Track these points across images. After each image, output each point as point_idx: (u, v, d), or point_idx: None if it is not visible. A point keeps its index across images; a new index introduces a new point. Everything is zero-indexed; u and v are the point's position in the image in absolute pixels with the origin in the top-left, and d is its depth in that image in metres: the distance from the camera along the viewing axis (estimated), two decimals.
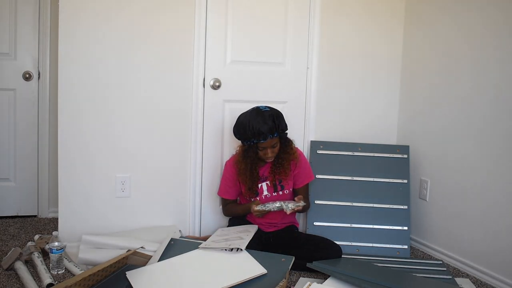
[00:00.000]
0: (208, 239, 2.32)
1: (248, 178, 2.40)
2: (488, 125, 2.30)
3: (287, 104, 2.77)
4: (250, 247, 2.16)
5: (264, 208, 2.30)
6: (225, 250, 2.15)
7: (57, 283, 2.00)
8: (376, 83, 2.92)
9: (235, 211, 2.54)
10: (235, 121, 2.43)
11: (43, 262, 2.16)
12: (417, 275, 2.22)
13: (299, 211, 2.38)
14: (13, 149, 2.98)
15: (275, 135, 2.32)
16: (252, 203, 2.36)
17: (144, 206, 2.59)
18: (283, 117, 2.40)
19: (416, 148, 2.80)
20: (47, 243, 2.34)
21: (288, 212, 2.28)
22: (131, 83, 2.50)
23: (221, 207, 2.68)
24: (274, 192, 2.47)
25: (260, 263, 2.03)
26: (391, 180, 2.70)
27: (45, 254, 2.28)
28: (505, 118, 2.20)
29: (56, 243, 2.16)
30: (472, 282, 2.25)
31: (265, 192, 2.47)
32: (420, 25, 2.79)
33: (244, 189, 2.46)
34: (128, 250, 2.20)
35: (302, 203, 2.29)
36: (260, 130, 2.28)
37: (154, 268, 2.06)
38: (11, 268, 2.15)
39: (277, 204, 2.30)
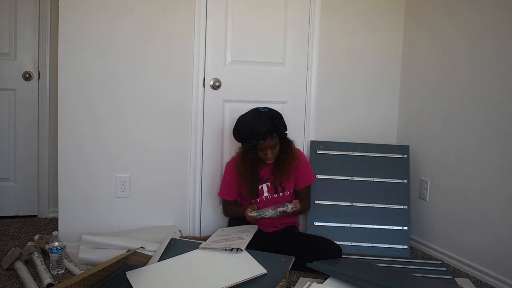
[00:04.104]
0: (208, 239, 2.32)
1: (248, 180, 2.40)
2: (488, 125, 2.30)
3: (287, 104, 2.77)
4: (250, 247, 2.16)
5: (261, 214, 2.29)
6: (225, 250, 2.15)
7: (57, 283, 2.00)
8: (376, 83, 2.92)
9: (235, 213, 2.54)
10: (235, 122, 2.43)
11: (43, 262, 2.16)
12: (417, 275, 2.22)
13: (296, 211, 2.36)
14: (13, 149, 2.98)
15: (274, 135, 2.31)
16: (248, 207, 2.36)
17: (144, 206, 2.59)
18: (282, 118, 2.39)
19: (416, 148, 2.80)
20: (47, 243, 2.34)
21: (289, 211, 2.29)
22: (131, 84, 2.50)
23: (221, 207, 2.68)
24: (275, 193, 2.47)
25: (260, 263, 2.03)
26: (391, 180, 2.70)
27: (45, 254, 2.28)
28: (506, 118, 2.20)
29: (56, 243, 2.15)
30: (472, 282, 2.25)
31: (266, 194, 2.47)
32: (420, 25, 2.79)
33: (244, 191, 2.46)
34: (128, 250, 2.20)
35: (298, 206, 2.32)
36: (259, 130, 2.28)
37: (154, 268, 2.06)
38: (11, 268, 2.15)
39: (278, 212, 2.29)
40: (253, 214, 2.30)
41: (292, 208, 2.30)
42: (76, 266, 2.16)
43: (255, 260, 2.05)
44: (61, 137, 2.44)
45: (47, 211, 3.05)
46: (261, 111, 2.35)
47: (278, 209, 2.30)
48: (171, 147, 2.61)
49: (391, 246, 2.58)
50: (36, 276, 2.08)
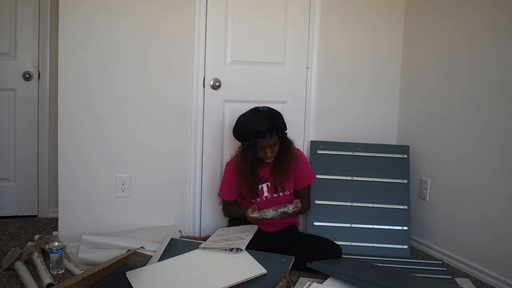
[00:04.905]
0: (208, 239, 2.32)
1: (248, 179, 2.40)
2: (488, 125, 2.30)
3: (287, 104, 2.77)
4: (250, 247, 2.16)
5: (262, 215, 2.29)
6: (225, 250, 2.15)
7: (57, 283, 2.00)
8: (376, 83, 2.92)
9: (235, 213, 2.54)
10: (235, 122, 2.43)
11: (43, 262, 2.16)
12: (417, 275, 2.22)
13: (297, 211, 2.37)
14: (13, 149, 2.98)
15: (274, 134, 2.32)
16: (249, 207, 2.36)
17: (144, 206, 2.59)
18: (282, 117, 2.40)
19: (416, 148, 2.80)
20: (47, 243, 2.34)
21: (291, 211, 2.29)
22: (131, 84, 2.50)
23: (221, 207, 2.68)
24: (275, 193, 2.47)
25: (260, 263, 2.03)
26: (391, 180, 2.70)
27: (45, 254, 2.28)
28: (505, 118, 2.20)
29: (56, 243, 2.15)
30: (472, 282, 2.25)
31: (266, 193, 2.47)
32: (420, 25, 2.79)
33: (244, 191, 2.46)
34: (128, 250, 2.20)
35: (299, 206, 2.32)
36: (258, 129, 2.28)
37: (154, 268, 2.06)
38: (11, 268, 2.15)
39: (279, 213, 2.29)
40: (254, 215, 2.30)
41: (293, 208, 2.30)
42: (76, 266, 2.16)
43: (255, 260, 2.05)
44: (61, 137, 2.44)
45: (47, 211, 3.05)
46: (261, 110, 2.36)
47: (279, 210, 2.30)
48: (171, 147, 2.61)
49: (391, 246, 2.58)
50: (36, 276, 2.08)
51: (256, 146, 2.35)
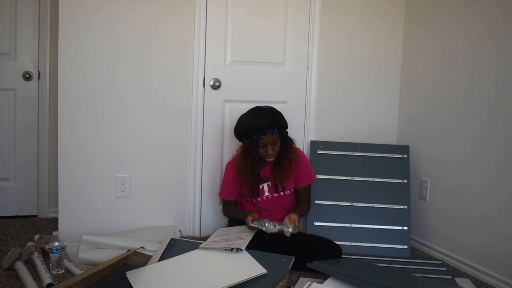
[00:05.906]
0: (208, 239, 2.32)
1: (249, 178, 2.40)
2: (488, 125, 2.30)
3: (287, 104, 2.77)
4: (250, 247, 2.16)
5: (261, 227, 2.26)
6: (225, 250, 2.15)
7: (57, 283, 2.00)
8: (376, 82, 2.92)
9: (235, 216, 2.54)
10: (235, 121, 2.43)
11: (43, 262, 2.16)
12: (417, 275, 2.22)
13: (295, 233, 2.31)
14: (13, 149, 2.98)
15: (275, 131, 2.32)
16: (249, 214, 2.35)
17: (144, 206, 2.59)
18: (283, 116, 2.40)
19: (416, 148, 2.80)
20: (47, 243, 2.34)
21: (288, 235, 2.24)
22: (131, 83, 2.50)
23: (221, 207, 2.68)
24: (275, 193, 2.47)
25: (260, 263, 2.03)
26: (391, 180, 2.70)
27: (45, 254, 2.28)
28: (505, 117, 2.20)
29: (56, 243, 2.15)
30: (472, 282, 2.25)
31: (266, 193, 2.47)
32: (420, 25, 2.79)
33: (245, 190, 2.46)
34: (128, 250, 2.20)
35: (298, 226, 2.29)
36: (259, 125, 2.29)
37: (154, 268, 2.06)
38: (11, 268, 2.15)
39: (276, 229, 2.25)
40: (254, 225, 2.29)
41: (292, 231, 2.24)
42: (76, 266, 2.16)
43: (255, 260, 2.05)
44: (61, 137, 2.44)
45: (47, 211, 3.05)
46: (262, 108, 2.37)
47: (278, 227, 2.25)
48: (171, 147, 2.61)
49: (391, 246, 2.58)
50: (36, 276, 2.08)
51: (257, 144, 2.35)
